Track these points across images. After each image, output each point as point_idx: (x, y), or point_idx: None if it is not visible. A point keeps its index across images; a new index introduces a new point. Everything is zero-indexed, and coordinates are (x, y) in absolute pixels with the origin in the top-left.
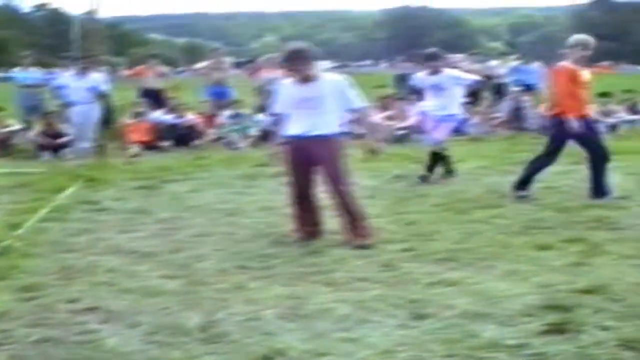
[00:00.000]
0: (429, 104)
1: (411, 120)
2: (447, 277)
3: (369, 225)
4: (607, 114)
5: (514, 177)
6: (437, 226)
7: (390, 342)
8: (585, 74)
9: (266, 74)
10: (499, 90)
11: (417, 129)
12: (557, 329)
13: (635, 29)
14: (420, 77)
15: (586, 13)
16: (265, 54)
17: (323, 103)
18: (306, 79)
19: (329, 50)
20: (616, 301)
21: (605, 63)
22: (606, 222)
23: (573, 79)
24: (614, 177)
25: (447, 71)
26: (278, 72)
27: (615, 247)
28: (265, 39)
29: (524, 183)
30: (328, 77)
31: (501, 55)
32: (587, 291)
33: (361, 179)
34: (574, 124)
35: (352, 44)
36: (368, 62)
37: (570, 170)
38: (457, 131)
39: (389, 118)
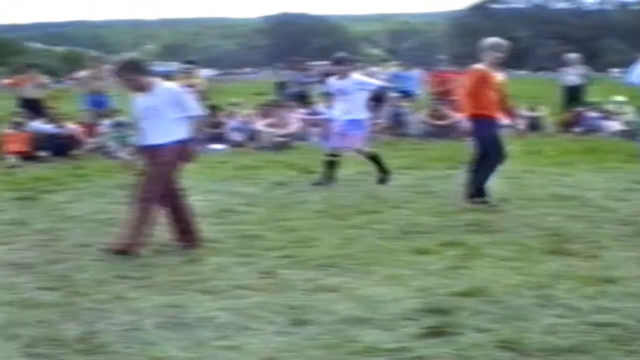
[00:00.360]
0: (336, 108)
1: (292, 127)
2: (327, 283)
3: (141, 238)
4: None
5: (393, 183)
6: (317, 232)
7: (270, 349)
8: (498, 76)
9: None
10: (379, 97)
11: (298, 136)
12: (435, 332)
13: (513, 34)
14: (330, 81)
15: (465, 19)
16: (146, 62)
17: (159, 112)
18: (141, 89)
19: (209, 57)
20: (494, 303)
21: None
22: (484, 225)
23: (483, 80)
24: (493, 181)
25: (353, 76)
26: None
27: (493, 250)
28: (145, 47)
29: (479, 192)
30: (164, 86)
31: (381, 61)
32: (465, 294)
33: (240, 187)
34: (467, 124)
35: (233, 51)
36: (249, 69)
37: (447, 175)
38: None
39: (270, 125)
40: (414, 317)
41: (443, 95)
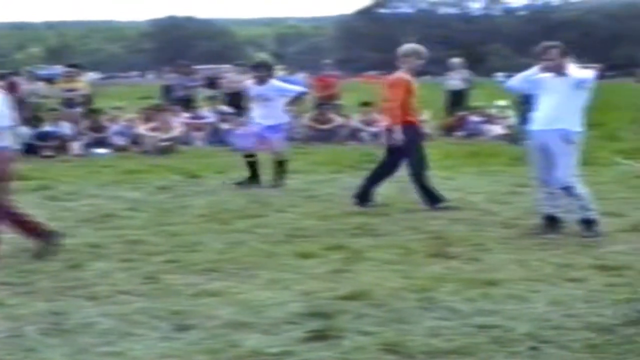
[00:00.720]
0: (255, 113)
1: (175, 131)
2: (211, 287)
3: None
4: (370, 122)
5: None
6: (201, 237)
7: (154, 355)
8: (415, 84)
9: (28, 86)
10: None
11: (182, 140)
12: (319, 336)
13: (399, 39)
14: (249, 86)
15: (352, 23)
16: (30, 64)
17: None
18: None
19: (94, 60)
20: (377, 306)
21: (371, 73)
22: (368, 229)
23: (408, 89)
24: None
25: (273, 82)
26: (39, 84)
27: (376, 254)
28: (30, 49)
29: (365, 196)
30: None
31: None
32: (349, 297)
33: (124, 192)
34: (400, 134)
35: (119, 55)
36: (135, 72)
37: (332, 178)
38: (222, 142)
39: (153, 129)
40: (297, 321)
41: (327, 99)
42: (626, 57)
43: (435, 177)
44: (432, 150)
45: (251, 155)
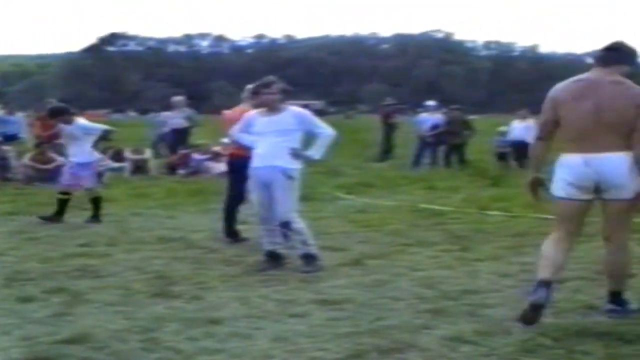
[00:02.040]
0: (68, 151)
1: None
2: None
3: None
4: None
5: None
6: None
7: None
8: None
9: None
10: None
11: None
12: None
13: (124, 77)
14: (62, 127)
15: (79, 61)
16: None
17: None
18: None
19: None
20: (99, 349)
21: (98, 111)
22: (89, 270)
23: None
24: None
25: (78, 121)
26: None
27: (98, 295)
28: None
29: (232, 233)
30: None
31: None
32: (70, 341)
33: None
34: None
35: None
36: None
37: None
38: None
39: None
40: None
41: (49, 139)
42: (348, 93)
43: (157, 216)
44: (155, 189)
45: (66, 193)
